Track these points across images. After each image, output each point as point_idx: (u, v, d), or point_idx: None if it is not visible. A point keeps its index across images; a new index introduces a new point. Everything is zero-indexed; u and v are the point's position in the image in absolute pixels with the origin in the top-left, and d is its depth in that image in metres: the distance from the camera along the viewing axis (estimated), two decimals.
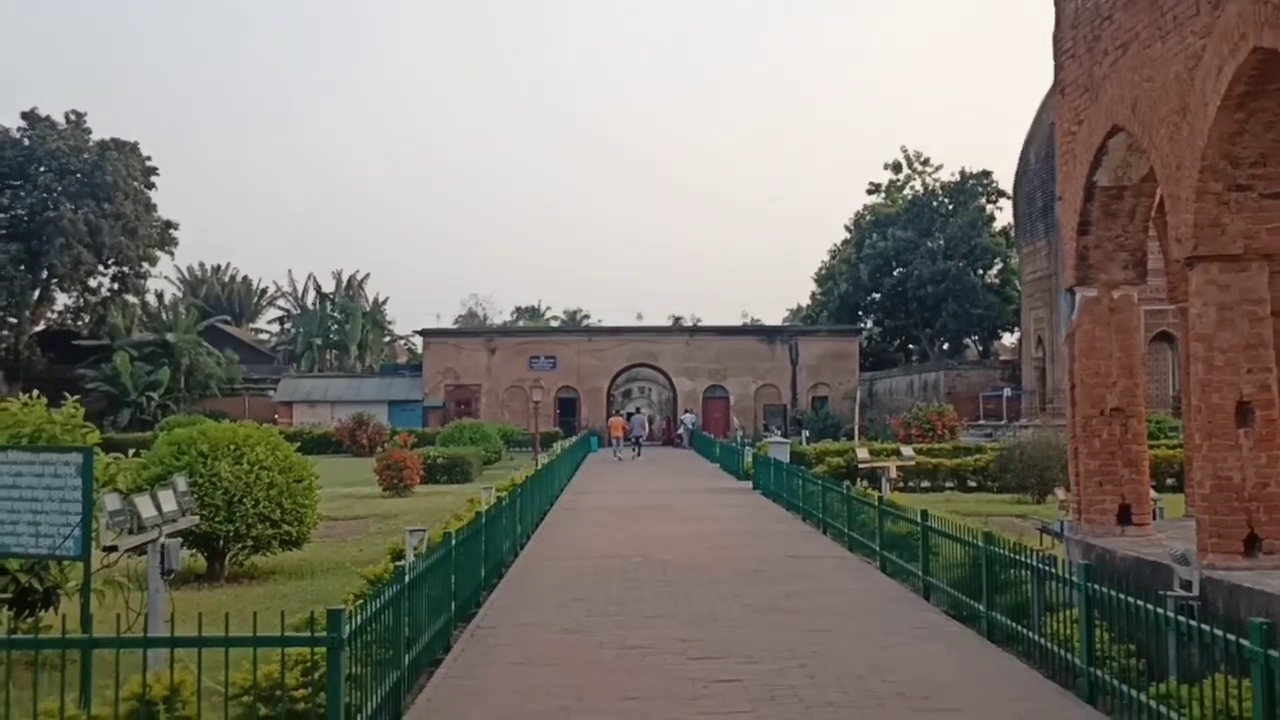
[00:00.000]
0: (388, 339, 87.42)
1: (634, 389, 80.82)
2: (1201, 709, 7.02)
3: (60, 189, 70.20)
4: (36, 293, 70.98)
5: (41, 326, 73.93)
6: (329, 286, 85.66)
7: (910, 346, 73.82)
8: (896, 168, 73.17)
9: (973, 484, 30.59)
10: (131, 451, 14.09)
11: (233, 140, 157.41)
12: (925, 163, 73.65)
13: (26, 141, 70.66)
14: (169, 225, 75.16)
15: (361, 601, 7.69)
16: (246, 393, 68.36)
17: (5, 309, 69.55)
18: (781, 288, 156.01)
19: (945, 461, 31.41)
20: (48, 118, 72.13)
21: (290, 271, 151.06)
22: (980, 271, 69.79)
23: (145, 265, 73.88)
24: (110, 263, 73.03)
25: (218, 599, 14.02)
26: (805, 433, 48.87)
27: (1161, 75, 10.29)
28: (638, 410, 72.79)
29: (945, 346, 72.50)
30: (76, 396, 12.63)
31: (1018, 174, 53.17)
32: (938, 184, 72.19)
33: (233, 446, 16.13)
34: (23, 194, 70.26)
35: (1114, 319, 12.49)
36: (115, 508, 9.16)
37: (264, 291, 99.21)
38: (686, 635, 11.29)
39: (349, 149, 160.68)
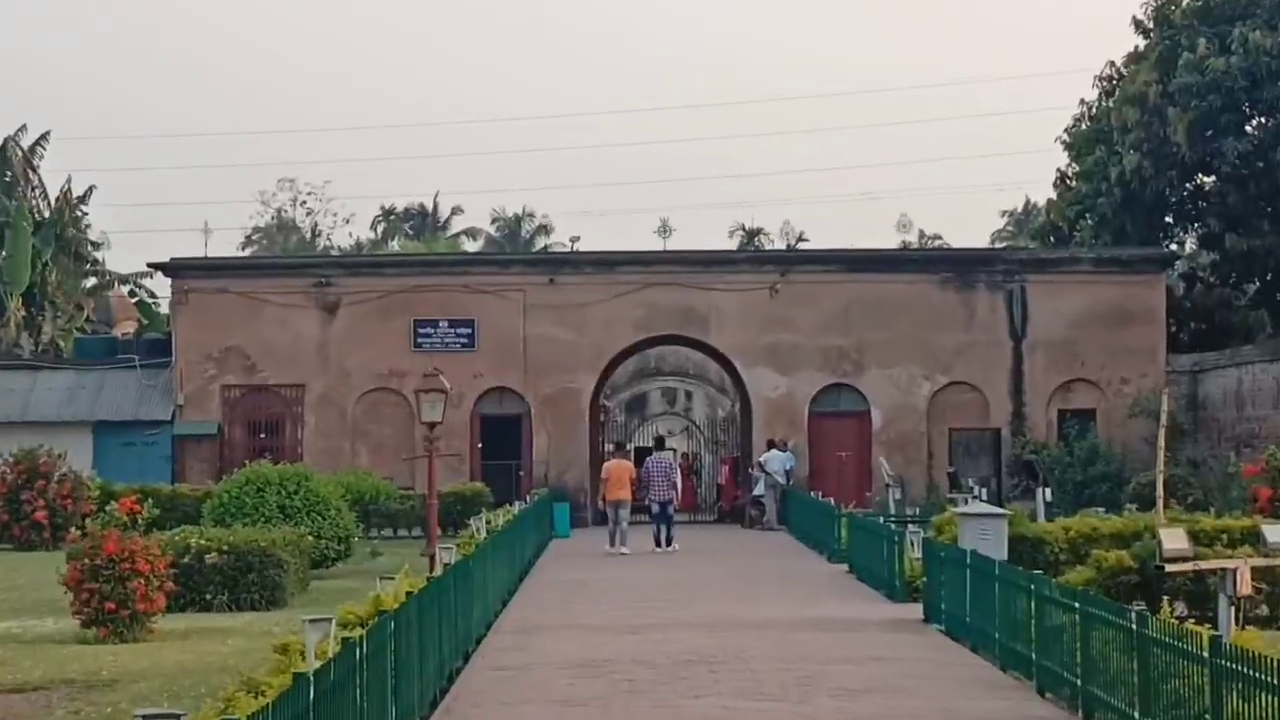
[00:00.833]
0: (93, 282, 60.11)
1: (653, 394, 58.56)
2: None
3: None
4: None
5: None
6: None
7: None
8: None
9: None
10: None
11: None
12: None
13: None
14: None
15: None
16: None
17: None
18: (961, 196, 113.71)
19: None
20: None
21: None
22: None
23: None
24: None
25: None
26: (1045, 490, 34.78)
27: None
28: (659, 444, 51.61)
29: None
30: None
31: None
32: None
33: None
34: None
35: None
36: None
37: None
38: None
39: None
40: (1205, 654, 10.71)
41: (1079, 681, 13.76)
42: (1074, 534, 23.97)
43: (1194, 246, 51.30)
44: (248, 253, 71.59)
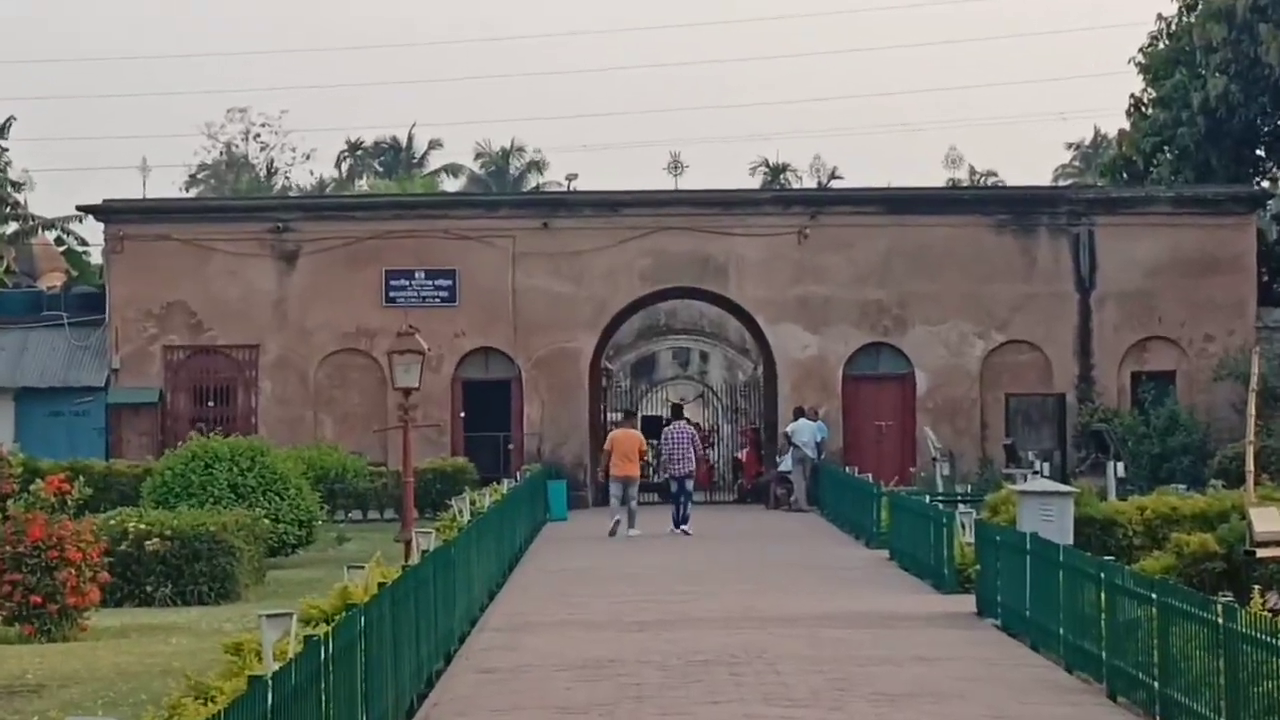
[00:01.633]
0: (14, 228, 58.30)
1: (663, 356, 59.45)
2: None
3: None
4: None
5: None
6: None
7: None
8: None
9: None
10: None
11: None
12: None
13: None
14: None
15: None
16: None
17: None
18: (1019, 127, 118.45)
19: None
20: None
21: None
22: None
23: None
24: None
25: None
26: (1116, 464, 34.45)
27: None
28: (676, 412, 48.23)
29: None
30: None
31: None
32: None
33: None
34: None
35: None
36: None
37: None
38: None
39: None
40: None
41: (1156, 684, 13.89)
42: (1150, 514, 23.91)
43: None
44: (193, 194, 72.09)
